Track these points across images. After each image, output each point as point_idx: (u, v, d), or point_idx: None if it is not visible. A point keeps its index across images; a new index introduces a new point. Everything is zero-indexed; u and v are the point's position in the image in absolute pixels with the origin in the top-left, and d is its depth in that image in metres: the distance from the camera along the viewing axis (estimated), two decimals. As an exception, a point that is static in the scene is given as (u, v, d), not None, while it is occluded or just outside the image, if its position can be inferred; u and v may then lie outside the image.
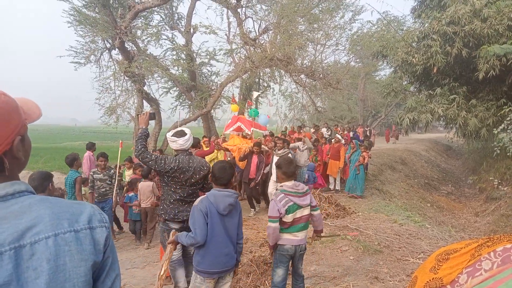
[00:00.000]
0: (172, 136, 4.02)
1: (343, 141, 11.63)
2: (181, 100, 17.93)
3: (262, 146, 9.16)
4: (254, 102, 14.99)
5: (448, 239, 6.88)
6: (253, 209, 8.85)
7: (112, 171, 7.10)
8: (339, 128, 18.37)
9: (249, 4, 14.16)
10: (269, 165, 8.82)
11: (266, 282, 4.49)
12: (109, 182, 6.94)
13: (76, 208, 1.06)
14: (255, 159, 8.58)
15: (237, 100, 14.17)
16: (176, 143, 3.97)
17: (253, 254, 5.23)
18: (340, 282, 4.44)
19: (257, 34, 13.73)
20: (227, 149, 9.90)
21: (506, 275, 2.09)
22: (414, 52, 13.37)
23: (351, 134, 17.02)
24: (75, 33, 14.75)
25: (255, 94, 13.03)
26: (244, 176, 8.67)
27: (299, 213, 3.53)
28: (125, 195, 7.45)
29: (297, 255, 3.63)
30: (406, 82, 14.75)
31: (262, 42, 12.65)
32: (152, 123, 16.33)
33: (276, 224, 3.46)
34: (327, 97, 30.23)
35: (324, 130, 17.51)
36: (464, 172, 21.60)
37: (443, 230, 9.87)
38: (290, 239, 3.55)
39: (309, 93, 22.02)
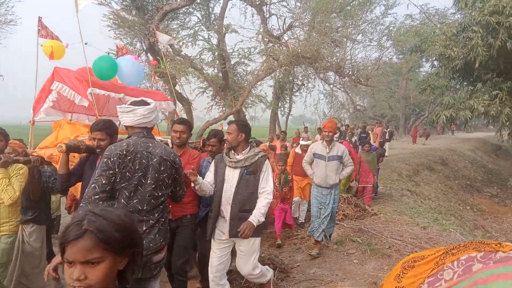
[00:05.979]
0: (127, 105, 2.68)
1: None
2: (216, 100, 18.16)
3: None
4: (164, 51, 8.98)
5: (473, 245, 6.39)
6: None
7: None
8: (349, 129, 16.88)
9: (275, 1, 13.97)
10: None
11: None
12: None
13: None
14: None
15: None
16: (134, 114, 2.60)
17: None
18: (336, 286, 4.26)
19: (281, 31, 13.54)
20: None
21: (461, 287, 1.87)
22: (453, 45, 12.62)
23: (354, 138, 13.92)
24: (115, 36, 15.44)
25: (164, 38, 6.79)
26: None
27: None
28: None
29: None
30: (444, 77, 13.95)
31: (287, 39, 12.46)
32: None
33: None
34: (366, 95, 29.37)
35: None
36: (513, 174, 20.12)
37: (474, 234, 9.26)
38: None
39: (348, 91, 21.40)
